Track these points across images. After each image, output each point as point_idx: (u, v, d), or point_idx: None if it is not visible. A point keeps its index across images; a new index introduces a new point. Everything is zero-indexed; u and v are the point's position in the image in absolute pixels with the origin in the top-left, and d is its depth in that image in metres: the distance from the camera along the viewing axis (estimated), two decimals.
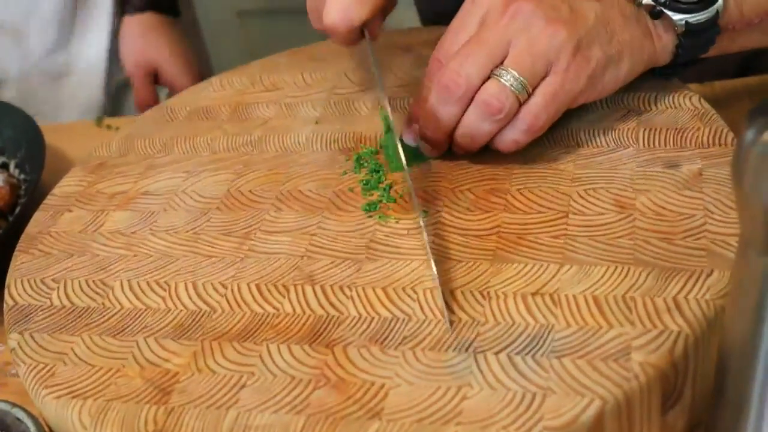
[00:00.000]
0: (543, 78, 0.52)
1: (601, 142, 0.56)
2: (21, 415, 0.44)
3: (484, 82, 0.52)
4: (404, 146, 0.56)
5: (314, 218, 0.54)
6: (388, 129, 0.59)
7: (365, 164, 0.58)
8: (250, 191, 0.58)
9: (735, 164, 0.34)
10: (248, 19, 2.02)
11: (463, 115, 0.53)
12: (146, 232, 0.56)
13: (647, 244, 0.47)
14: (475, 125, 0.53)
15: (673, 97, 0.59)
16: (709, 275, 0.45)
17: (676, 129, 0.56)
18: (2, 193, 0.73)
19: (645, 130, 0.56)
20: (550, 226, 0.50)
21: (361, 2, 0.56)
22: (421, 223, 0.50)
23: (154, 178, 0.62)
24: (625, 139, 0.56)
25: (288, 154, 0.61)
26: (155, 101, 1.10)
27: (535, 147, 0.55)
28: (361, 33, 0.58)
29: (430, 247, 0.49)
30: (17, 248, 0.58)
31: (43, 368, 0.48)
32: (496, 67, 0.52)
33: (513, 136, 0.53)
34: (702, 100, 0.58)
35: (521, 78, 0.52)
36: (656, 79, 0.59)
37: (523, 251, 0.49)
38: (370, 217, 0.53)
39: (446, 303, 0.46)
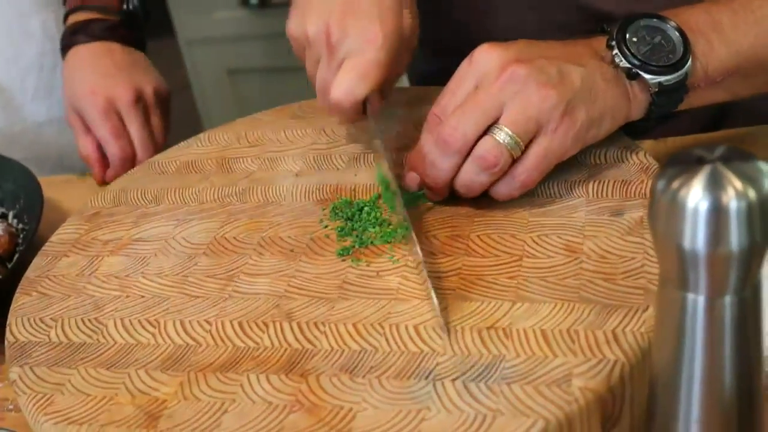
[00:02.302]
0: (534, 136, 0.58)
1: (554, 193, 0.61)
2: None
3: (479, 138, 0.58)
4: (402, 193, 0.62)
5: (293, 262, 0.59)
6: (387, 187, 0.64)
7: (340, 213, 0.63)
8: (234, 238, 0.63)
9: (650, 210, 0.39)
10: (238, 77, 2.09)
11: (459, 166, 0.59)
12: (138, 275, 0.61)
13: (591, 283, 0.53)
14: (472, 177, 0.59)
15: (622, 153, 0.64)
16: (645, 311, 0.50)
17: (622, 181, 0.61)
18: (1, 242, 0.78)
19: (594, 182, 0.62)
20: (506, 268, 0.55)
21: (362, 80, 0.62)
22: (422, 264, 0.55)
23: (146, 226, 0.67)
24: (577, 190, 0.61)
25: (269, 204, 0.67)
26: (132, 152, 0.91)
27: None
28: (364, 109, 0.65)
29: (401, 286, 0.55)
30: (18, 290, 0.62)
31: (42, 397, 0.52)
32: (491, 125, 0.57)
33: (508, 191, 0.59)
34: (648, 155, 0.64)
35: (515, 136, 0.57)
36: (608, 137, 0.64)
37: (480, 290, 0.54)
38: (344, 260, 0.59)
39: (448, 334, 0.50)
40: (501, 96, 0.57)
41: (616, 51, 0.60)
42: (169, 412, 0.49)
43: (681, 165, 0.38)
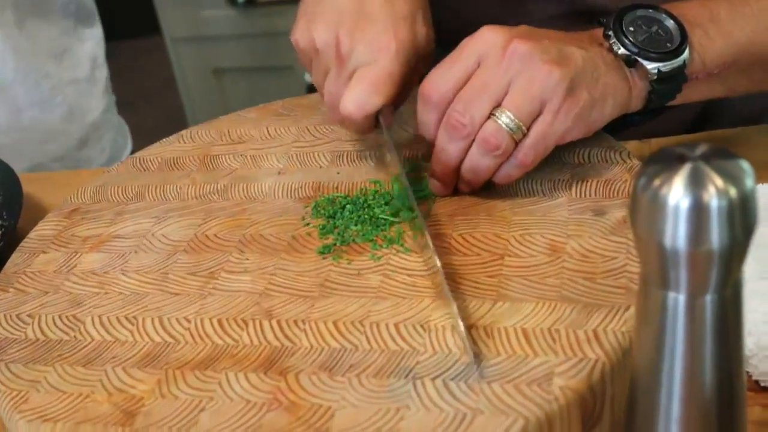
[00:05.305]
0: (537, 115, 0.57)
1: (537, 192, 0.61)
2: None
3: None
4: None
5: (274, 260, 0.59)
6: (403, 197, 0.62)
7: (322, 211, 0.63)
8: (215, 235, 0.63)
9: (631, 208, 0.39)
10: (223, 76, 2.08)
11: (467, 151, 0.58)
12: (117, 272, 0.61)
13: (573, 282, 0.52)
14: (477, 160, 0.58)
15: (606, 153, 0.64)
16: (626, 310, 0.50)
17: (605, 180, 0.61)
18: None
19: (577, 181, 0.61)
20: (488, 267, 0.55)
21: (375, 92, 0.61)
22: (438, 264, 0.53)
23: (126, 223, 0.66)
24: (560, 189, 0.61)
25: (251, 201, 0.66)
26: None
27: (475, 196, 0.60)
28: (376, 121, 0.63)
29: (382, 285, 0.54)
30: None
31: (17, 395, 0.51)
32: (496, 106, 0.57)
33: (507, 171, 0.59)
34: (631, 155, 0.64)
35: (516, 120, 0.57)
36: (591, 137, 0.64)
37: (462, 289, 0.53)
38: (325, 258, 0.58)
39: (470, 337, 0.49)
40: (506, 75, 0.57)
41: (613, 40, 0.60)
42: (146, 409, 0.49)
43: (662, 163, 0.38)
